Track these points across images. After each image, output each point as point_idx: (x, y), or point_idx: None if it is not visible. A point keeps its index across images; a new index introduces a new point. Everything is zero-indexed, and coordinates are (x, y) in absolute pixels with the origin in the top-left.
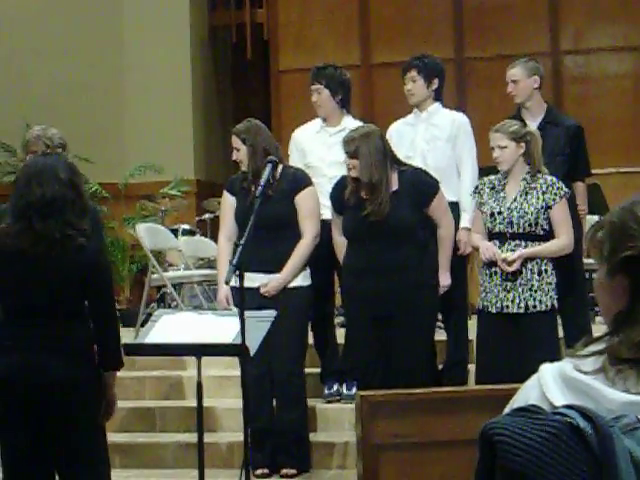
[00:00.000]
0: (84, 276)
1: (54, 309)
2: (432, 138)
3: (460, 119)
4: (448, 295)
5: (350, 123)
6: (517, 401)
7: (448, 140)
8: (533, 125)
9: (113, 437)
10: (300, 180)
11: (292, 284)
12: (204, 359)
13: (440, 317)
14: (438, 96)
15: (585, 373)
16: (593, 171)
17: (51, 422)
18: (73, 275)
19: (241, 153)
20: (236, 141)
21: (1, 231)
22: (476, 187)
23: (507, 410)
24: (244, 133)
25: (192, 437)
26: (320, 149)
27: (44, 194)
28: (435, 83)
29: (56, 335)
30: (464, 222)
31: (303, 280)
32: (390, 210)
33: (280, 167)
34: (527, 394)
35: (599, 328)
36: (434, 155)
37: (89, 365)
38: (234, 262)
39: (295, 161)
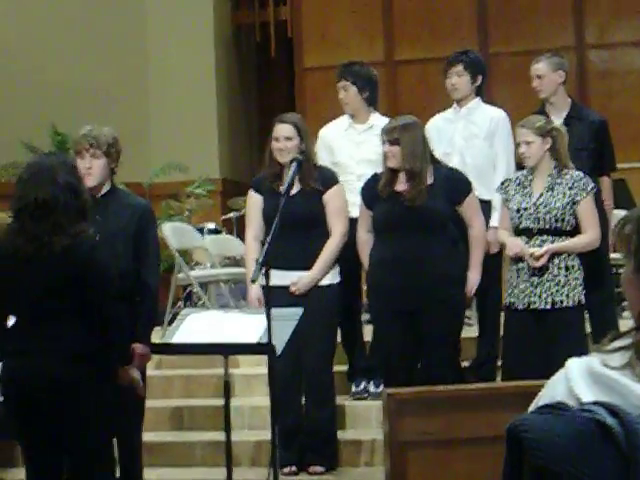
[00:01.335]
0: (78, 273)
1: (49, 311)
2: (470, 136)
3: (499, 116)
4: (483, 294)
5: (378, 120)
6: (544, 397)
7: (486, 138)
8: (558, 120)
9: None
10: (328, 178)
11: (322, 282)
12: (231, 357)
13: (468, 314)
14: (479, 92)
15: (612, 368)
16: (618, 165)
17: (51, 422)
18: (62, 276)
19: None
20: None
21: (3, 232)
22: (502, 183)
23: (534, 406)
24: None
25: (220, 435)
26: (348, 146)
27: (37, 197)
28: (479, 80)
29: (53, 336)
30: (493, 221)
31: (333, 278)
32: (424, 201)
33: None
34: (554, 389)
35: (626, 323)
36: (472, 153)
37: (87, 365)
38: (260, 260)
39: (323, 159)
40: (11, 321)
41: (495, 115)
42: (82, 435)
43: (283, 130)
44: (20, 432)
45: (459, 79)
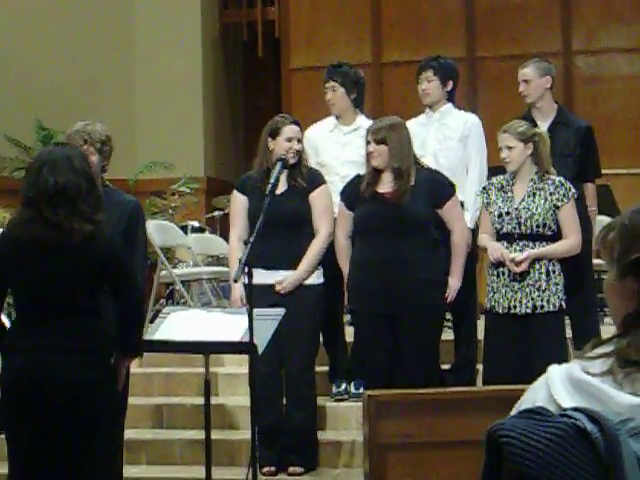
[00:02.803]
0: (98, 264)
1: (67, 304)
2: (444, 138)
3: (472, 120)
4: (458, 296)
5: (364, 122)
6: (524, 402)
7: (460, 140)
8: (544, 125)
9: None
10: (315, 178)
11: (306, 282)
12: (215, 356)
13: (449, 317)
14: (451, 97)
15: (593, 375)
16: (603, 172)
17: (63, 420)
18: (84, 265)
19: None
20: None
21: (12, 220)
22: (484, 187)
23: (514, 411)
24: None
25: (200, 434)
26: (334, 147)
27: (56, 182)
28: (450, 85)
29: (70, 333)
30: (465, 222)
31: (316, 278)
32: (406, 203)
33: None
34: (534, 395)
35: (607, 329)
36: (446, 155)
37: (103, 364)
38: (243, 260)
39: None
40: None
41: (469, 119)
42: (92, 434)
43: (297, 132)
44: (14, 428)
45: (429, 84)
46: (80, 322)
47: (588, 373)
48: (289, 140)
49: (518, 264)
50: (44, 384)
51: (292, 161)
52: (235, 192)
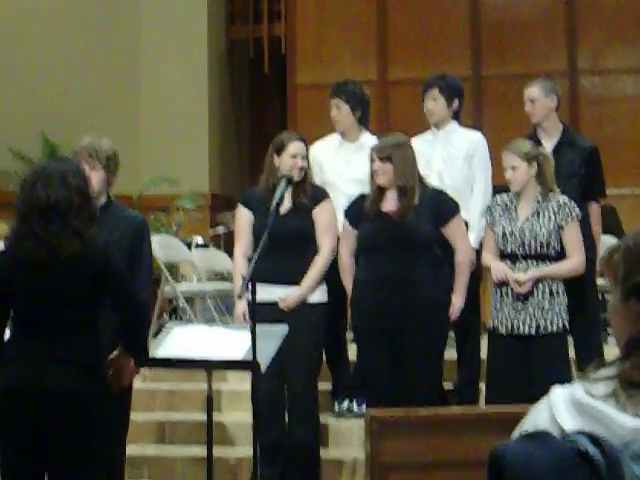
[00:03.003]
0: (90, 278)
1: (62, 319)
2: (449, 157)
3: (478, 138)
4: (461, 315)
5: (368, 140)
6: (527, 424)
7: (465, 159)
8: (549, 145)
9: None
10: (318, 195)
11: (309, 300)
12: (218, 372)
13: (452, 336)
14: (456, 116)
15: (596, 397)
16: (608, 192)
17: (55, 433)
18: (76, 280)
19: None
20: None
21: (7, 236)
22: (488, 207)
23: (517, 433)
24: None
25: (202, 451)
26: (338, 165)
27: (48, 197)
28: (455, 103)
29: (64, 346)
30: (470, 241)
31: (320, 296)
32: (410, 221)
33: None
34: (537, 417)
35: (611, 349)
36: (451, 174)
37: (98, 378)
38: (246, 276)
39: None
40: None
41: (474, 137)
42: (87, 448)
43: (302, 148)
44: (6, 440)
45: (435, 103)
46: (75, 336)
47: (591, 395)
48: (294, 157)
49: (522, 284)
50: (35, 396)
51: (297, 178)
52: (240, 206)
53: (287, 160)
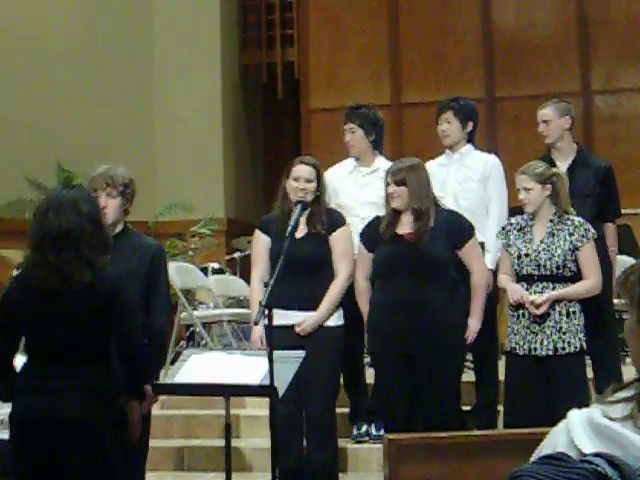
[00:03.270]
0: (101, 307)
1: (75, 347)
2: (464, 179)
3: (492, 161)
4: (478, 337)
5: (383, 164)
6: (545, 447)
7: (480, 181)
8: (563, 166)
9: None
10: (335, 220)
11: (326, 324)
12: (236, 398)
13: (470, 358)
14: (470, 138)
15: (614, 420)
16: (624, 211)
17: (70, 462)
18: (87, 309)
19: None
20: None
21: (22, 264)
22: (503, 228)
23: (535, 456)
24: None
25: (221, 476)
26: (353, 189)
27: (60, 225)
28: (470, 126)
29: (77, 375)
30: (487, 263)
31: (337, 320)
32: (425, 244)
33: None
34: (555, 440)
35: (629, 369)
36: (466, 196)
37: (110, 405)
38: (263, 302)
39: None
40: (18, 360)
41: (489, 160)
42: (103, 476)
43: (305, 171)
44: (23, 470)
45: (449, 126)
46: (88, 364)
47: (609, 418)
48: (296, 180)
49: (538, 307)
50: (49, 426)
51: (309, 198)
52: (257, 232)
53: (291, 183)
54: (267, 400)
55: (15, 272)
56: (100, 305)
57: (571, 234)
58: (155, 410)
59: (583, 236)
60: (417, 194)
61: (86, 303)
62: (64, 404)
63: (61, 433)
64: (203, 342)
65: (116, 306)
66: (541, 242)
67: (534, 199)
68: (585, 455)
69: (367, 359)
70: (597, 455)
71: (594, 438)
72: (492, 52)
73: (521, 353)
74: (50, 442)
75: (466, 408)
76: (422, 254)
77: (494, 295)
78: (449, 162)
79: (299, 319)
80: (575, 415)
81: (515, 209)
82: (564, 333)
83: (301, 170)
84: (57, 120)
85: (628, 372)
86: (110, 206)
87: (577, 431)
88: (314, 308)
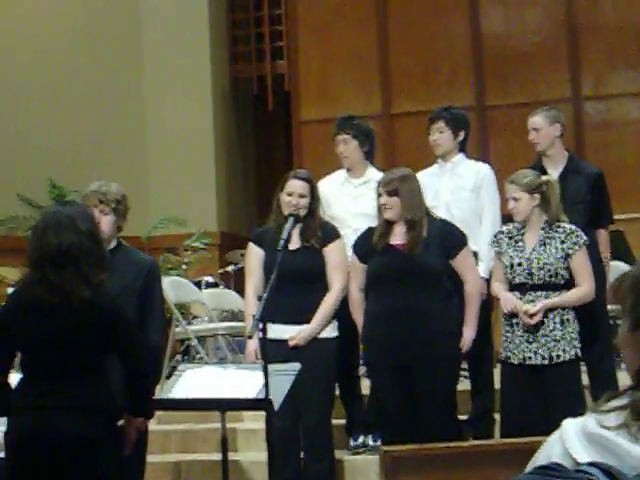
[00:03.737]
0: (100, 325)
1: (71, 365)
2: (456, 188)
3: (485, 170)
4: (473, 346)
5: (374, 175)
6: (540, 458)
7: (472, 190)
8: (554, 173)
9: None
10: (329, 233)
11: (320, 335)
12: (232, 412)
13: (465, 367)
14: (462, 147)
15: (608, 428)
16: (616, 217)
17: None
18: (86, 327)
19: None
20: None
21: (20, 282)
22: (495, 236)
23: (529, 467)
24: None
25: None
26: (345, 200)
27: (60, 243)
28: (461, 135)
29: (72, 393)
30: (480, 272)
31: (331, 332)
32: (418, 254)
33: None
34: (549, 450)
35: (624, 375)
36: (458, 205)
37: (105, 423)
38: (257, 316)
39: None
40: (13, 377)
41: (481, 169)
42: None
43: (298, 187)
44: None
45: (441, 135)
46: (83, 382)
47: (603, 426)
48: (289, 195)
49: (531, 316)
50: (44, 444)
51: (289, 212)
52: (251, 244)
53: (284, 198)
54: (263, 414)
55: (10, 290)
56: (100, 321)
57: (563, 242)
58: (152, 425)
59: (575, 243)
60: (409, 204)
61: (84, 320)
62: (60, 422)
63: (57, 451)
64: (199, 356)
65: (119, 323)
66: (533, 250)
67: (522, 209)
68: (580, 465)
69: (362, 370)
70: (591, 464)
71: (589, 447)
72: (482, 60)
73: (516, 362)
74: (46, 460)
75: (462, 417)
76: (415, 264)
77: (488, 303)
78: (441, 171)
79: (293, 333)
80: (569, 424)
81: (508, 217)
82: (559, 341)
83: (294, 185)
84: (47, 136)
85: (623, 378)
86: (103, 223)
87: (572, 441)
88: (308, 321)
